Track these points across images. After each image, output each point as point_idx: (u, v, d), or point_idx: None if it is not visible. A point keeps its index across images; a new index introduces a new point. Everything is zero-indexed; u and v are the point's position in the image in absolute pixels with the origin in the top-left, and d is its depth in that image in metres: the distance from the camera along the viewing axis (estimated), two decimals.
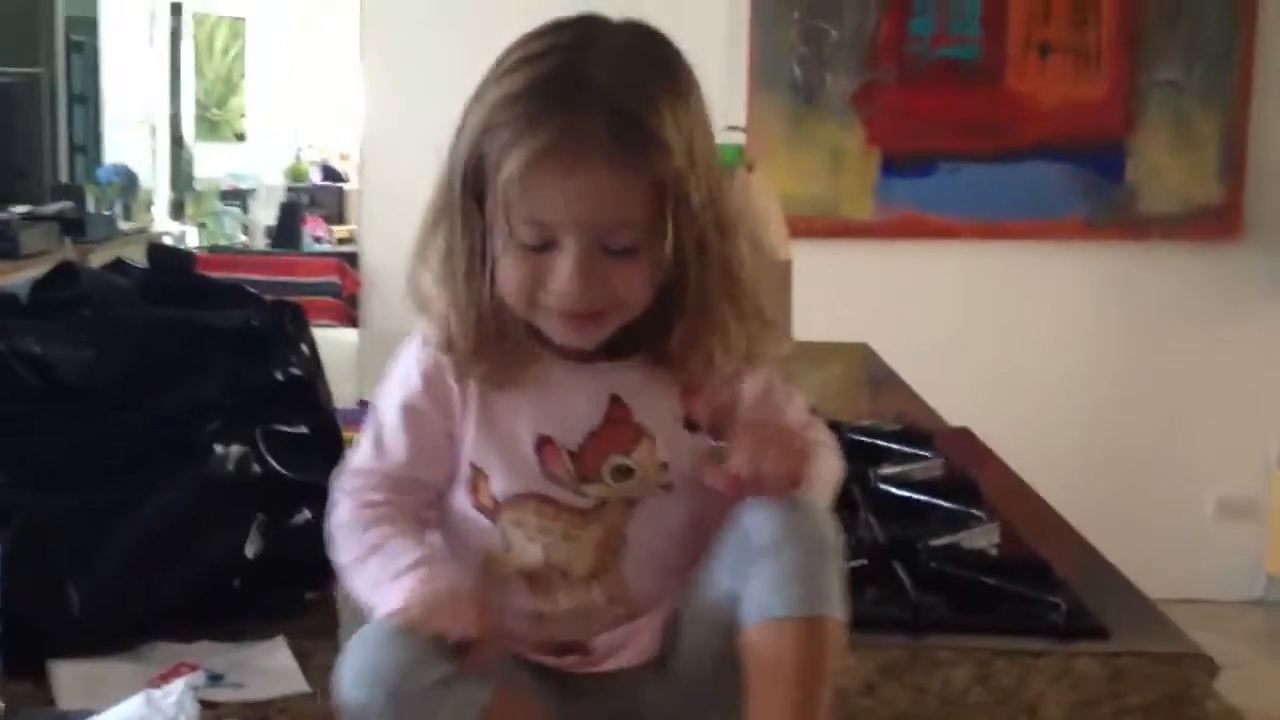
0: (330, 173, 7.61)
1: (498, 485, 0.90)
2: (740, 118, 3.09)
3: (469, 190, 0.86)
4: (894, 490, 1.58)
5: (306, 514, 1.22)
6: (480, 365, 0.88)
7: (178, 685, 0.81)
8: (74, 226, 4.34)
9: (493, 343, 0.88)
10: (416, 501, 0.93)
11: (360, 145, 3.81)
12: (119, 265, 1.22)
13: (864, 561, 1.35)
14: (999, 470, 1.78)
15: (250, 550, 1.17)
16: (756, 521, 0.86)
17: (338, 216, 7.17)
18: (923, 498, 1.57)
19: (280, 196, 7.18)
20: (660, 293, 0.87)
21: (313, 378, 1.23)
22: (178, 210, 6.62)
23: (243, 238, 7.01)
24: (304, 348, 1.23)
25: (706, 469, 0.88)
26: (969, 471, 1.70)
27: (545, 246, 0.84)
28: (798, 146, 3.43)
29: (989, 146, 3.43)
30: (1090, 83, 3.41)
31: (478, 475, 0.90)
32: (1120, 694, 1.12)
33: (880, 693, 1.11)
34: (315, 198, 7.36)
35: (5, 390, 1.11)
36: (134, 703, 0.81)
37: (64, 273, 1.14)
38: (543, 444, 0.89)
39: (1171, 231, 3.46)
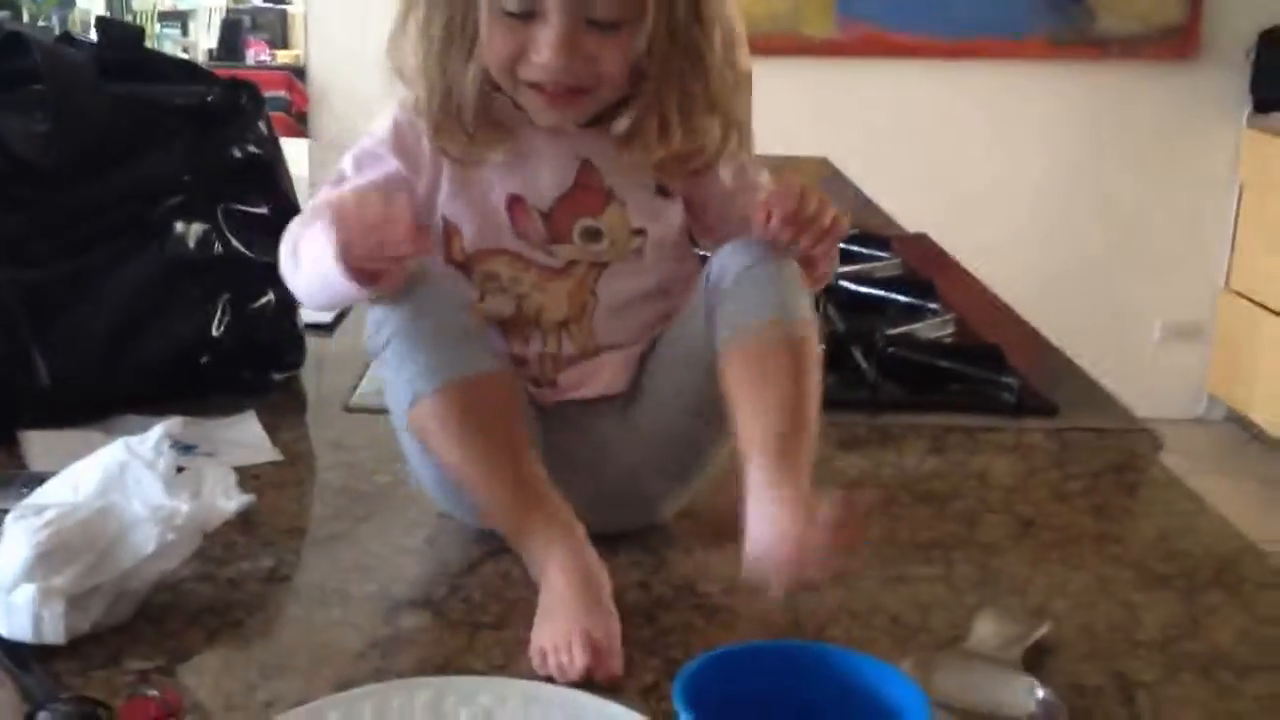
0: None
1: (469, 239, 0.91)
2: None
3: None
4: (853, 286, 1.60)
5: (270, 295, 1.22)
6: (454, 135, 0.88)
7: (156, 431, 0.82)
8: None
9: (465, 114, 0.88)
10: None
11: None
12: (68, 38, 1.18)
13: (824, 348, 1.38)
14: (954, 269, 1.81)
15: (216, 329, 1.17)
16: (724, 259, 0.89)
17: (281, 40, 6.94)
18: (881, 292, 1.59)
19: (220, 18, 6.93)
20: (634, 74, 0.87)
21: (271, 158, 1.22)
22: None
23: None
24: (261, 126, 1.21)
25: (752, 204, 0.88)
26: (925, 270, 1.72)
27: (529, 15, 0.84)
28: None
29: None
30: None
31: (449, 230, 0.91)
32: (1067, 463, 1.16)
33: (839, 464, 1.15)
34: (257, 20, 7.11)
35: None
36: (113, 448, 0.82)
37: (13, 43, 1.11)
38: (513, 203, 0.90)
39: (1131, 51, 3.44)
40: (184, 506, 0.78)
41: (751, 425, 0.83)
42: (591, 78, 0.86)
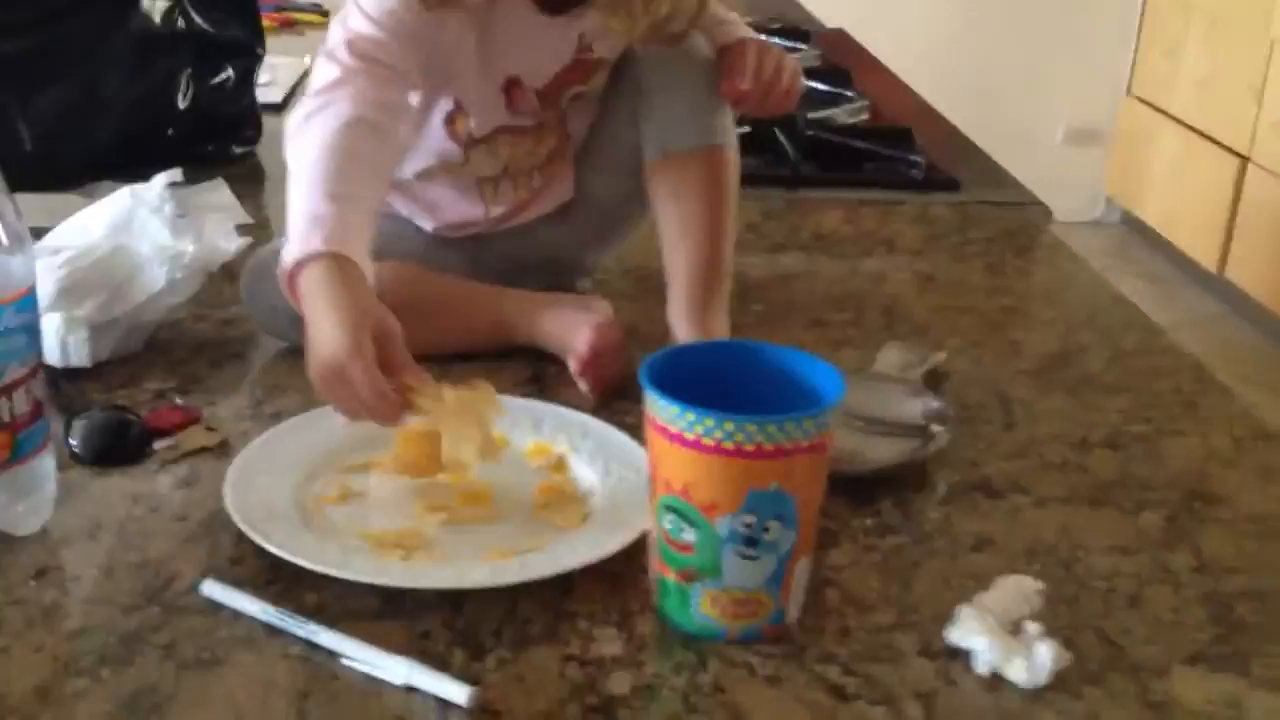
0: None
1: (473, 123, 0.94)
2: None
3: None
4: None
5: (229, 72, 1.29)
6: None
7: (158, 180, 0.89)
8: None
9: None
10: (396, 80, 0.85)
11: None
12: None
13: (748, 130, 1.48)
14: (869, 61, 1.90)
15: (181, 102, 1.24)
16: (647, 69, 0.94)
17: None
18: (801, 81, 1.68)
19: None
20: None
21: None
22: None
23: None
24: None
25: (722, 81, 0.93)
26: (843, 62, 1.82)
27: None
28: None
29: None
30: None
31: (456, 111, 0.93)
32: (966, 229, 1.30)
33: (762, 230, 1.27)
34: None
35: None
36: (119, 196, 0.90)
37: None
38: (511, 85, 0.93)
39: None
40: (190, 247, 0.87)
41: (675, 263, 0.92)
42: None
